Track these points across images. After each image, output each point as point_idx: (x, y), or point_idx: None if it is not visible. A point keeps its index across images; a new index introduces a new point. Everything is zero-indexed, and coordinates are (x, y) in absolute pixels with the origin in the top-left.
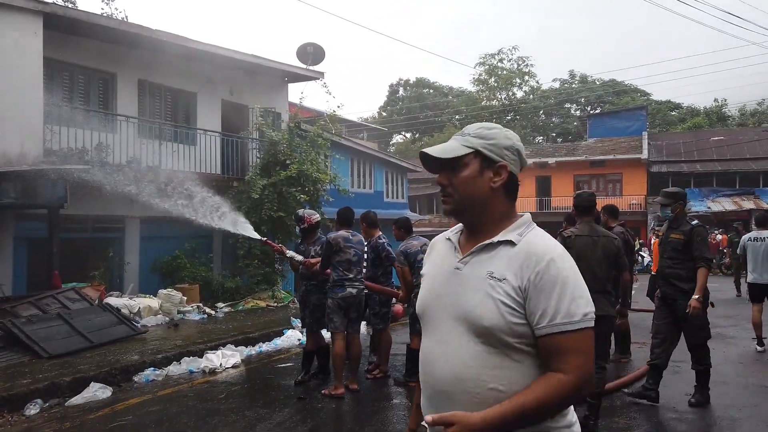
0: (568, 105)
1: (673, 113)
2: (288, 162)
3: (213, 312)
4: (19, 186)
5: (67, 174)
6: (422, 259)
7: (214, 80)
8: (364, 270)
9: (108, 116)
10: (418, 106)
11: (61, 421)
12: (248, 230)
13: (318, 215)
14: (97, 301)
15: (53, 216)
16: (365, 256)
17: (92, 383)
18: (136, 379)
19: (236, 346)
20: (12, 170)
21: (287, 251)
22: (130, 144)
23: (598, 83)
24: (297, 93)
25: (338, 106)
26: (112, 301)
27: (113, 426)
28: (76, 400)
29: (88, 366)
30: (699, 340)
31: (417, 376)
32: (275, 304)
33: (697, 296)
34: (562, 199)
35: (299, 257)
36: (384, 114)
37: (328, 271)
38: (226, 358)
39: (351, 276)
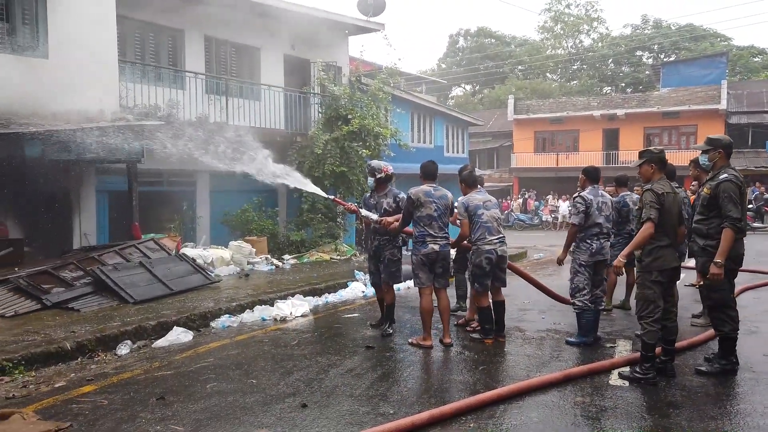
0: (639, 53)
1: (756, 59)
2: (349, 117)
3: (280, 263)
4: (100, 142)
5: (144, 129)
6: (483, 213)
7: (276, 35)
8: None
9: (177, 73)
10: (479, 57)
11: (150, 360)
12: (317, 189)
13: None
14: (174, 252)
15: (132, 170)
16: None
17: (175, 327)
18: (213, 324)
19: (304, 297)
20: (94, 126)
21: (361, 210)
22: (198, 100)
23: (673, 28)
24: (357, 46)
25: (398, 59)
26: (188, 251)
27: (197, 367)
28: (161, 342)
29: (169, 311)
30: (711, 302)
31: (492, 333)
32: (338, 257)
33: (718, 260)
34: (631, 153)
35: (374, 216)
36: (443, 66)
37: (409, 229)
38: (295, 308)
39: (433, 232)
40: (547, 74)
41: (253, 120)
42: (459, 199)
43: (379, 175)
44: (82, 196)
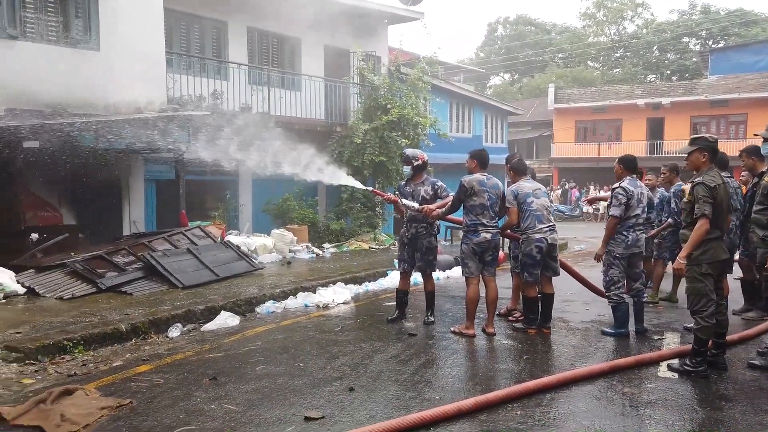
0: (686, 39)
1: None
2: (389, 106)
3: (320, 252)
4: (149, 131)
5: (189, 120)
6: (532, 202)
7: (317, 25)
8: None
9: (221, 64)
10: (518, 45)
11: (201, 343)
12: (356, 182)
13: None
14: (219, 239)
15: (179, 159)
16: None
17: (222, 312)
18: (258, 310)
19: (345, 285)
20: (143, 117)
21: (401, 200)
22: (241, 91)
23: (722, 13)
24: (396, 36)
25: (438, 48)
26: (232, 239)
27: (246, 350)
28: (210, 326)
29: (216, 296)
30: None
31: (535, 323)
32: (377, 246)
33: None
34: (676, 143)
35: (415, 205)
36: (481, 55)
37: (455, 217)
38: (337, 295)
39: (485, 221)
40: (589, 62)
41: (294, 110)
42: (509, 187)
43: (416, 163)
44: (131, 185)
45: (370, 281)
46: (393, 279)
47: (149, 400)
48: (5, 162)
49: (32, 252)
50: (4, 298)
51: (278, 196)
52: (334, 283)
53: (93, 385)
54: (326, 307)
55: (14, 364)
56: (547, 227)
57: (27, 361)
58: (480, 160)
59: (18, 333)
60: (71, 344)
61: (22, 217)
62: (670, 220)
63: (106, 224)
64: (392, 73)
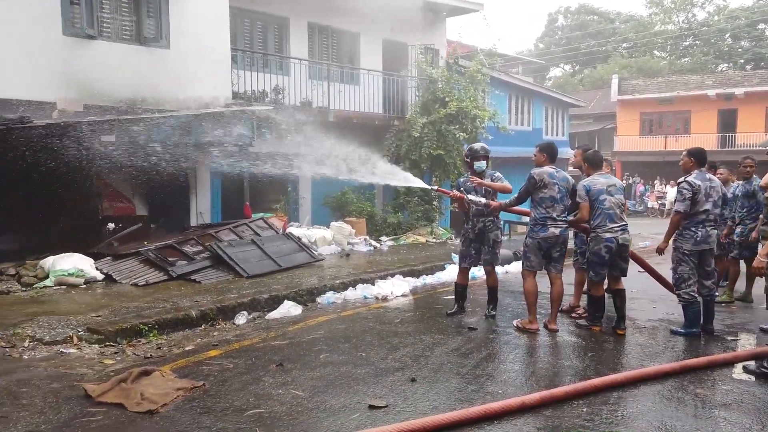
0: (762, 26)
1: None
2: (447, 99)
3: (378, 245)
4: (216, 126)
5: (253, 115)
6: (605, 199)
7: (376, 19)
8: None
9: (283, 60)
10: (579, 35)
11: (266, 330)
12: (421, 182)
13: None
14: (281, 231)
15: (243, 153)
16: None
17: (285, 301)
18: (318, 300)
19: (403, 277)
20: (212, 111)
21: (467, 196)
22: (301, 86)
23: None
24: (453, 29)
25: (498, 40)
26: (293, 231)
27: (309, 338)
28: (274, 314)
29: (279, 286)
30: None
31: (600, 321)
32: (434, 240)
33: None
34: (750, 135)
35: (482, 200)
36: (541, 46)
37: (520, 209)
38: (396, 287)
39: (554, 215)
40: (655, 52)
41: (353, 104)
42: (581, 181)
43: (488, 156)
44: (198, 178)
45: (427, 275)
46: (451, 273)
47: (220, 383)
48: (85, 155)
49: (109, 240)
50: (85, 283)
51: (337, 189)
52: (392, 275)
53: (168, 367)
54: (385, 299)
55: (96, 346)
56: (618, 227)
57: (107, 343)
58: (549, 153)
59: (99, 317)
60: (146, 328)
61: (100, 208)
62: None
63: (174, 215)
64: (450, 66)
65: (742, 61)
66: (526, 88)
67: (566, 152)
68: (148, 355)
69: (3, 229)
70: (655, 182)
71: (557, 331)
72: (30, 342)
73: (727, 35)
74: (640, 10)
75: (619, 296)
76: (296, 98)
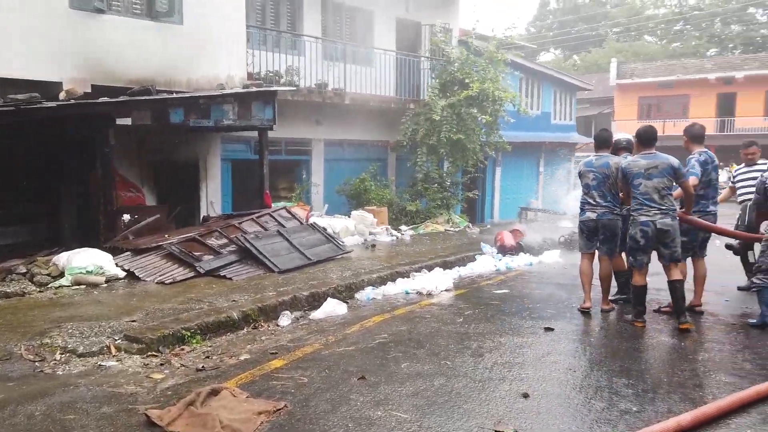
0: (752, 9)
1: None
2: (467, 81)
3: (399, 234)
4: (236, 108)
5: (273, 96)
6: (640, 183)
7: None
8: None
9: (296, 39)
10: (571, 19)
11: (320, 333)
12: None
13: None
14: (305, 221)
15: (263, 138)
16: (610, 179)
17: (329, 299)
18: (357, 296)
19: (443, 270)
20: (233, 92)
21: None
22: (316, 67)
23: None
24: (465, 7)
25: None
26: (317, 221)
27: (376, 343)
28: (318, 313)
29: (315, 282)
30: None
31: (643, 316)
32: (452, 228)
33: None
34: (749, 119)
35: None
36: (532, 30)
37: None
38: (440, 281)
39: (591, 201)
40: (646, 36)
41: (368, 87)
42: (622, 163)
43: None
44: (208, 165)
45: (460, 266)
46: (484, 264)
47: (303, 403)
48: (98, 140)
49: (124, 233)
50: (106, 282)
51: (349, 176)
52: (428, 268)
53: (232, 382)
54: (430, 294)
55: (137, 356)
56: (658, 210)
57: (149, 353)
58: (596, 141)
59: (134, 321)
60: (189, 334)
61: (114, 197)
62: None
63: (184, 205)
64: (468, 45)
65: (732, 45)
66: (536, 71)
67: (571, 137)
68: (200, 366)
69: (6, 221)
70: None
71: (611, 310)
72: (62, 354)
73: (717, 19)
74: None
75: (673, 287)
76: (311, 80)
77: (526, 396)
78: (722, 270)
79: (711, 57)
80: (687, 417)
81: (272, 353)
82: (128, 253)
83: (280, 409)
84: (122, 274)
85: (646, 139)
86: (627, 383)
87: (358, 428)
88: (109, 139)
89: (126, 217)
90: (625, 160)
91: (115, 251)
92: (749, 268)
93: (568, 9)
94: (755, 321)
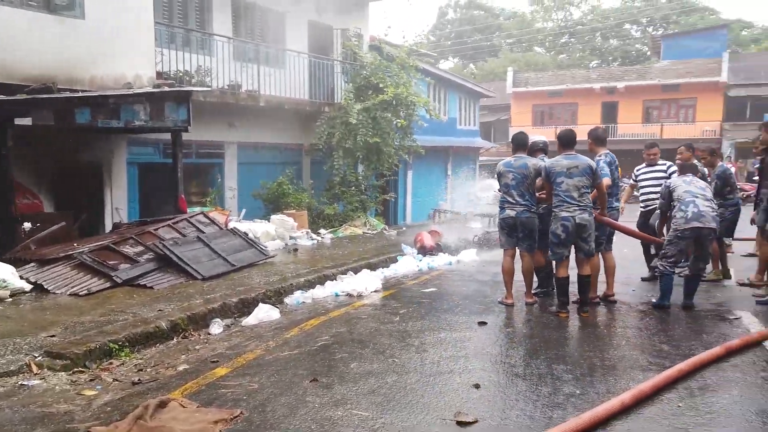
0: (627, 26)
1: (744, 33)
2: (381, 85)
3: (319, 238)
4: (148, 108)
5: (188, 96)
6: (562, 181)
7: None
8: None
9: (206, 38)
10: (468, 29)
11: (259, 339)
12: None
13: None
14: (224, 226)
15: (177, 140)
16: (528, 179)
17: (261, 304)
18: (287, 301)
19: (371, 271)
20: (145, 92)
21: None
22: (227, 67)
23: (663, 1)
24: (375, 14)
25: (388, 27)
26: (237, 225)
27: (319, 345)
28: (250, 320)
29: (243, 288)
30: None
31: (567, 308)
32: (369, 231)
33: None
34: (630, 126)
35: None
36: (432, 38)
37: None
38: (369, 282)
39: (510, 199)
40: (536, 48)
41: (280, 89)
42: (542, 162)
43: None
44: (113, 169)
45: (383, 267)
46: (407, 264)
47: (260, 409)
48: None
49: (26, 243)
50: (11, 296)
51: (265, 179)
52: (354, 270)
53: (177, 393)
54: (360, 295)
55: (62, 373)
56: (577, 207)
57: (75, 369)
58: (514, 143)
59: (53, 336)
60: (117, 347)
61: (14, 204)
62: None
63: (86, 211)
64: (381, 50)
65: (611, 58)
66: (443, 78)
67: (476, 142)
68: (135, 380)
69: None
70: None
71: (531, 303)
72: None
73: (598, 34)
74: (523, 7)
75: (582, 282)
76: (223, 81)
77: (477, 387)
78: (626, 262)
79: (594, 68)
80: (627, 395)
81: (213, 361)
82: (33, 264)
83: (236, 417)
84: (28, 286)
85: (566, 141)
86: (565, 369)
87: (321, 429)
88: (6, 141)
89: (27, 225)
90: (545, 161)
91: (17, 263)
92: (651, 260)
93: (464, 20)
94: (655, 301)
